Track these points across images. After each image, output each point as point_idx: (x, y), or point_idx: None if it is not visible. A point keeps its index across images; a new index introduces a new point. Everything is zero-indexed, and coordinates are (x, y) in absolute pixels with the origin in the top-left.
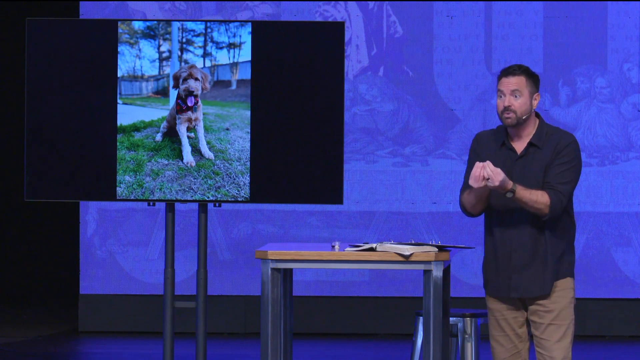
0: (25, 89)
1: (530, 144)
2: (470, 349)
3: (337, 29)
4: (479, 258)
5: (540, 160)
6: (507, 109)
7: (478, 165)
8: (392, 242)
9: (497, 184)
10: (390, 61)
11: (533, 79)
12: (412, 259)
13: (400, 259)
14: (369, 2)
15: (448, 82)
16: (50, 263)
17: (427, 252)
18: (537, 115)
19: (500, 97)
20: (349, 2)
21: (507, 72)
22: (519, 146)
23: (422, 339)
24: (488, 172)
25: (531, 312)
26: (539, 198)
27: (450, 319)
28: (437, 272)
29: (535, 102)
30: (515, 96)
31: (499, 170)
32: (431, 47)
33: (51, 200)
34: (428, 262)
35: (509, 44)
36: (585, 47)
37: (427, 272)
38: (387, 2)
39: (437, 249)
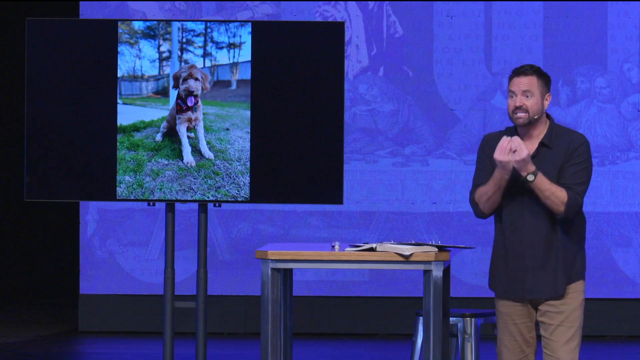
0: (25, 89)
1: (541, 144)
2: (470, 349)
3: (337, 29)
4: (479, 258)
5: (553, 161)
6: (518, 108)
7: (505, 138)
8: (392, 242)
9: (523, 156)
10: (390, 61)
11: (544, 79)
12: (412, 259)
13: (400, 259)
14: (369, 2)
15: (448, 82)
16: (50, 263)
17: (427, 252)
18: (548, 116)
19: (512, 97)
20: (349, 2)
21: (519, 72)
22: (530, 147)
23: (422, 339)
24: (516, 144)
25: (541, 313)
26: (557, 191)
27: (450, 319)
28: (437, 272)
29: (546, 103)
30: (526, 96)
31: (524, 145)
32: (431, 47)
33: (51, 200)
34: (428, 262)
35: (509, 44)
36: (585, 47)
37: (427, 272)
38: (387, 2)
39: (437, 249)
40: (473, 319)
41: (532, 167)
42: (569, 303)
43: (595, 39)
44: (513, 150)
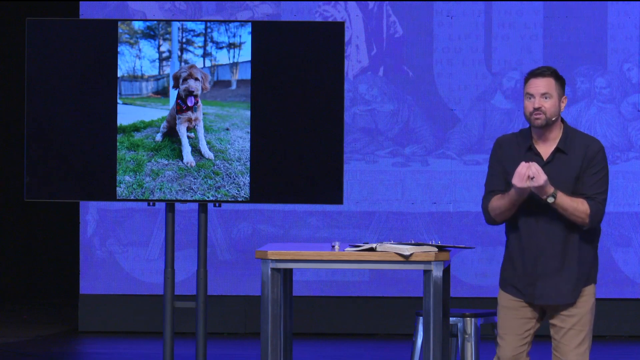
0: (25, 89)
1: (557, 149)
2: (470, 349)
3: (337, 29)
4: (479, 258)
5: (569, 167)
6: (537, 110)
7: (524, 164)
8: (392, 242)
9: (541, 182)
10: (390, 61)
11: (561, 81)
12: (412, 259)
13: (400, 259)
14: (369, 2)
15: (448, 82)
16: (50, 263)
17: (427, 252)
18: (562, 119)
19: (529, 98)
20: (349, 2)
21: (536, 73)
22: (545, 150)
23: (422, 339)
24: (533, 171)
25: (552, 315)
26: (579, 206)
27: (450, 319)
28: (437, 272)
29: (562, 105)
30: (545, 98)
31: (542, 171)
32: (431, 47)
33: (51, 200)
34: (428, 262)
35: (509, 44)
36: (585, 47)
37: (427, 272)
38: (387, 2)
39: (437, 249)
40: (473, 319)
41: (550, 190)
42: (582, 307)
43: (595, 39)
44: (531, 177)
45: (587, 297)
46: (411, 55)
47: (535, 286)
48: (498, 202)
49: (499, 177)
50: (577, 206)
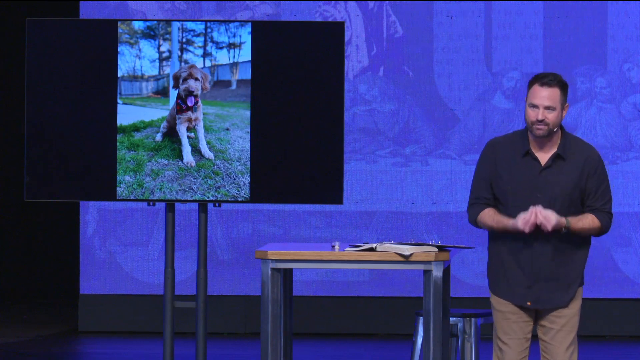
0: (25, 89)
1: (556, 156)
2: (470, 349)
3: (337, 29)
4: (479, 258)
5: (566, 173)
6: (540, 121)
7: (531, 211)
8: (392, 242)
9: (549, 229)
10: (390, 61)
11: (565, 90)
12: (412, 259)
13: (400, 259)
14: (369, 2)
15: (448, 82)
16: (50, 263)
17: (427, 252)
18: (560, 125)
19: (533, 108)
20: (349, 2)
21: (543, 82)
22: (542, 156)
23: (422, 339)
24: (540, 219)
25: (541, 316)
26: (591, 225)
27: (450, 319)
28: (437, 272)
29: (564, 113)
30: (549, 110)
31: (549, 213)
32: (431, 47)
33: (51, 200)
34: (428, 262)
35: (509, 44)
36: (585, 47)
37: (427, 272)
38: (387, 2)
39: (437, 249)
40: (473, 319)
41: (563, 223)
42: (572, 308)
43: (595, 39)
44: (539, 224)
45: (577, 299)
46: (411, 55)
47: (530, 289)
48: (489, 222)
49: (486, 184)
50: (589, 227)
